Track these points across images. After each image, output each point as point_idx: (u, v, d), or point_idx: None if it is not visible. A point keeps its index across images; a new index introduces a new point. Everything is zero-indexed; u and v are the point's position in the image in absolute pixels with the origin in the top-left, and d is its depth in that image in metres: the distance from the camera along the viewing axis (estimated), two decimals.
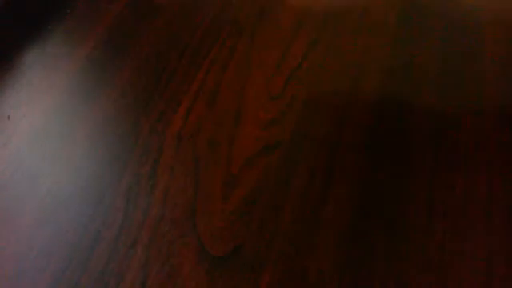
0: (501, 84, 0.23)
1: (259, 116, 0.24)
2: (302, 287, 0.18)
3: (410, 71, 0.24)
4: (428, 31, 0.25)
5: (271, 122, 0.24)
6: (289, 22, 0.28)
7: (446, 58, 0.24)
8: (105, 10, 0.31)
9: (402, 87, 0.23)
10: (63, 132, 0.25)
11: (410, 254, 0.19)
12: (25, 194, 0.23)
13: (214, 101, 0.25)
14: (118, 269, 0.19)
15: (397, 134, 0.22)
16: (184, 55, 0.28)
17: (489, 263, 0.18)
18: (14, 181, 0.23)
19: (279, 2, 0.30)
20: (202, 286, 0.19)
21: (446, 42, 0.24)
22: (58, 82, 0.27)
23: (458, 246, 0.19)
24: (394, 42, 0.24)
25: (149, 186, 0.22)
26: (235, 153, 0.23)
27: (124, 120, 0.25)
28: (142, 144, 0.24)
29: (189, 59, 0.27)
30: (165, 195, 0.22)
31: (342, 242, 0.19)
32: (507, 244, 0.19)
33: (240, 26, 0.29)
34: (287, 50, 0.27)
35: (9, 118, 0.26)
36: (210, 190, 0.21)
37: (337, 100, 0.21)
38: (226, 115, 0.24)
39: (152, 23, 0.30)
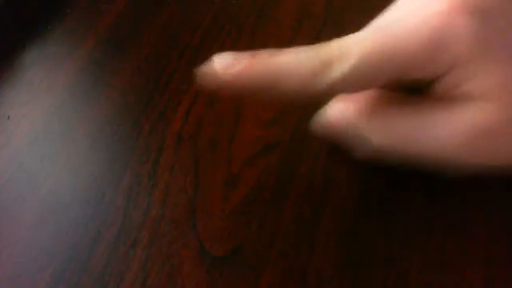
0: None
1: (259, 116, 0.24)
2: (301, 287, 0.18)
3: None
4: None
5: (271, 122, 0.24)
6: (289, 21, 0.28)
7: None
8: (105, 9, 0.31)
9: None
10: (63, 132, 0.25)
11: (410, 254, 0.19)
12: (25, 193, 0.23)
13: (213, 101, 0.25)
14: (118, 269, 0.19)
15: None
16: (184, 55, 0.28)
17: (489, 263, 0.18)
18: (13, 181, 0.23)
19: (279, 1, 0.30)
20: (202, 286, 0.19)
21: None
22: (59, 81, 0.27)
23: (458, 246, 0.19)
24: None
25: (149, 185, 0.22)
26: (235, 153, 0.23)
27: (124, 120, 0.25)
28: (142, 144, 0.24)
29: (189, 59, 0.27)
30: (165, 195, 0.22)
31: (341, 242, 0.19)
32: (507, 244, 0.19)
33: (240, 25, 0.29)
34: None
35: (9, 117, 0.26)
36: (209, 189, 0.21)
37: None
38: (225, 115, 0.24)
39: (152, 23, 0.30)
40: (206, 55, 0.27)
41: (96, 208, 0.21)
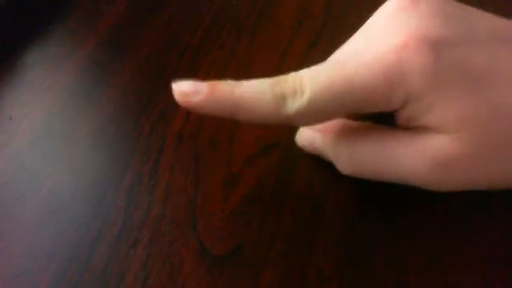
0: None
1: None
2: (301, 287, 0.18)
3: None
4: None
5: None
6: (289, 21, 0.28)
7: None
8: (105, 10, 0.31)
9: None
10: (65, 132, 0.25)
11: (409, 254, 0.19)
12: (26, 193, 0.23)
13: None
14: (119, 268, 0.20)
15: None
16: (184, 55, 0.28)
17: (488, 263, 0.18)
18: (14, 180, 0.23)
19: (279, 1, 0.30)
20: (203, 285, 0.19)
21: None
22: (60, 82, 0.27)
23: (458, 246, 0.19)
24: None
25: (150, 185, 0.22)
26: (235, 152, 0.23)
27: (125, 120, 0.25)
28: (143, 144, 0.24)
29: (189, 59, 0.27)
30: (165, 195, 0.22)
31: (341, 241, 0.19)
32: (507, 244, 0.19)
33: (240, 25, 0.29)
34: (287, 50, 0.27)
35: (10, 118, 0.26)
36: (210, 189, 0.22)
37: None
38: None
39: (152, 24, 0.30)
40: (206, 55, 0.28)
41: (97, 208, 0.22)
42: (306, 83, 0.17)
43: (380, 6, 0.18)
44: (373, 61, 0.16)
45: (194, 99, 0.17)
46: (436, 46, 0.15)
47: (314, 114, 0.17)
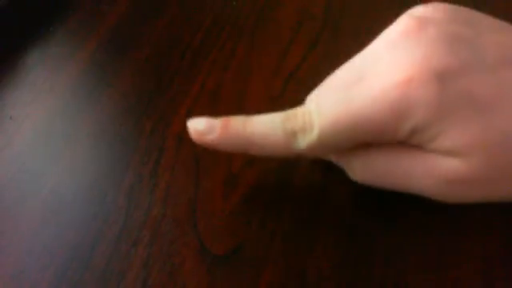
0: None
1: None
2: (301, 286, 0.18)
3: None
4: None
5: None
6: (289, 22, 0.28)
7: None
8: (106, 11, 0.31)
9: None
10: (66, 132, 0.25)
11: (409, 254, 0.19)
12: (27, 193, 0.23)
13: (214, 101, 0.25)
14: (120, 267, 0.20)
15: None
16: (185, 56, 0.28)
17: (488, 263, 0.18)
18: (16, 180, 0.23)
19: (279, 1, 0.30)
20: (203, 285, 0.19)
21: None
22: (61, 82, 0.28)
23: (456, 245, 0.19)
24: None
25: (150, 185, 0.22)
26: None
27: (126, 120, 0.25)
28: (143, 144, 0.24)
29: (190, 60, 0.28)
30: (166, 195, 0.22)
31: (341, 241, 0.19)
32: (505, 243, 0.19)
33: (240, 26, 0.29)
34: (287, 50, 0.27)
35: (11, 118, 0.26)
36: (210, 189, 0.22)
37: None
38: (226, 115, 0.24)
39: (153, 24, 0.30)
40: (207, 56, 0.28)
41: (98, 207, 0.22)
42: (314, 119, 0.17)
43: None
44: (378, 96, 0.16)
45: (208, 137, 0.18)
46: (441, 78, 0.15)
47: (323, 148, 0.18)
